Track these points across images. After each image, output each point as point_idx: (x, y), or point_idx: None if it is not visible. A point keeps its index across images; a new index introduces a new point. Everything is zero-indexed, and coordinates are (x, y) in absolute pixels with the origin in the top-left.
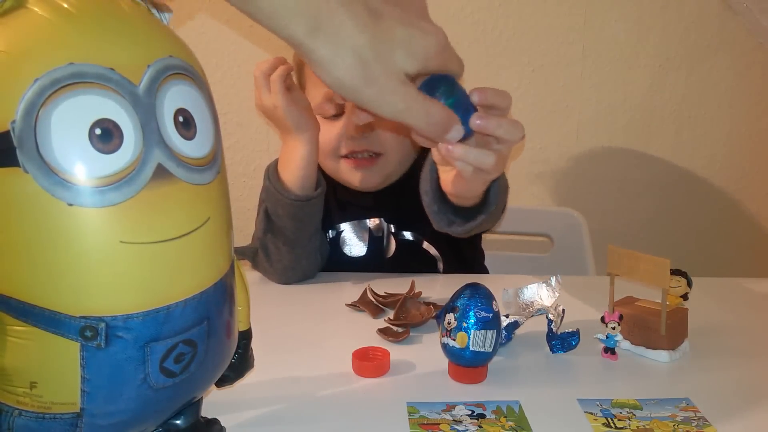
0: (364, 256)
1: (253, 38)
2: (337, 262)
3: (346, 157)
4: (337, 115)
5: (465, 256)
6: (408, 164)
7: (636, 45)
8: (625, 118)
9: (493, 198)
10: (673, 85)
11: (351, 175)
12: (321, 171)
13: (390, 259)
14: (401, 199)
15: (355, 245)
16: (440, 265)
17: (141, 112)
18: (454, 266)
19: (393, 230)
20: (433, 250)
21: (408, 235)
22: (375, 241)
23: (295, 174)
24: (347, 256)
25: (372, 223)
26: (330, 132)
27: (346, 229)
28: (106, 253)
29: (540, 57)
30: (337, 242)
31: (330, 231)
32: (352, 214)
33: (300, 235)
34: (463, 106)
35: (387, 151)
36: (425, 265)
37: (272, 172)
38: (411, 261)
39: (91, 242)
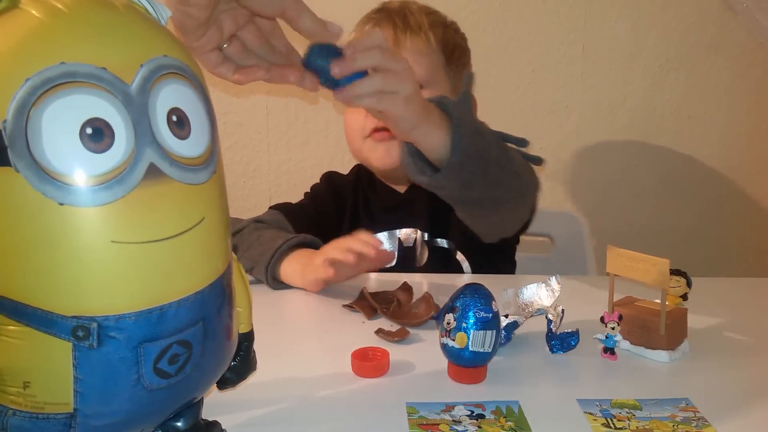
0: (394, 266)
1: None
2: (368, 272)
3: (369, 136)
4: None
5: (497, 266)
6: None
7: (636, 45)
8: (625, 118)
9: (456, 150)
10: (673, 85)
11: (373, 154)
12: (352, 180)
13: (421, 268)
14: (430, 211)
15: None
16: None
17: (133, 111)
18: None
19: (426, 238)
20: (465, 262)
21: (442, 242)
22: (406, 251)
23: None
24: None
25: (402, 233)
26: (359, 112)
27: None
28: (98, 252)
29: (540, 57)
30: None
31: None
32: (383, 227)
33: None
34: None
35: None
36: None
37: (272, 266)
38: (442, 271)
39: (82, 242)
